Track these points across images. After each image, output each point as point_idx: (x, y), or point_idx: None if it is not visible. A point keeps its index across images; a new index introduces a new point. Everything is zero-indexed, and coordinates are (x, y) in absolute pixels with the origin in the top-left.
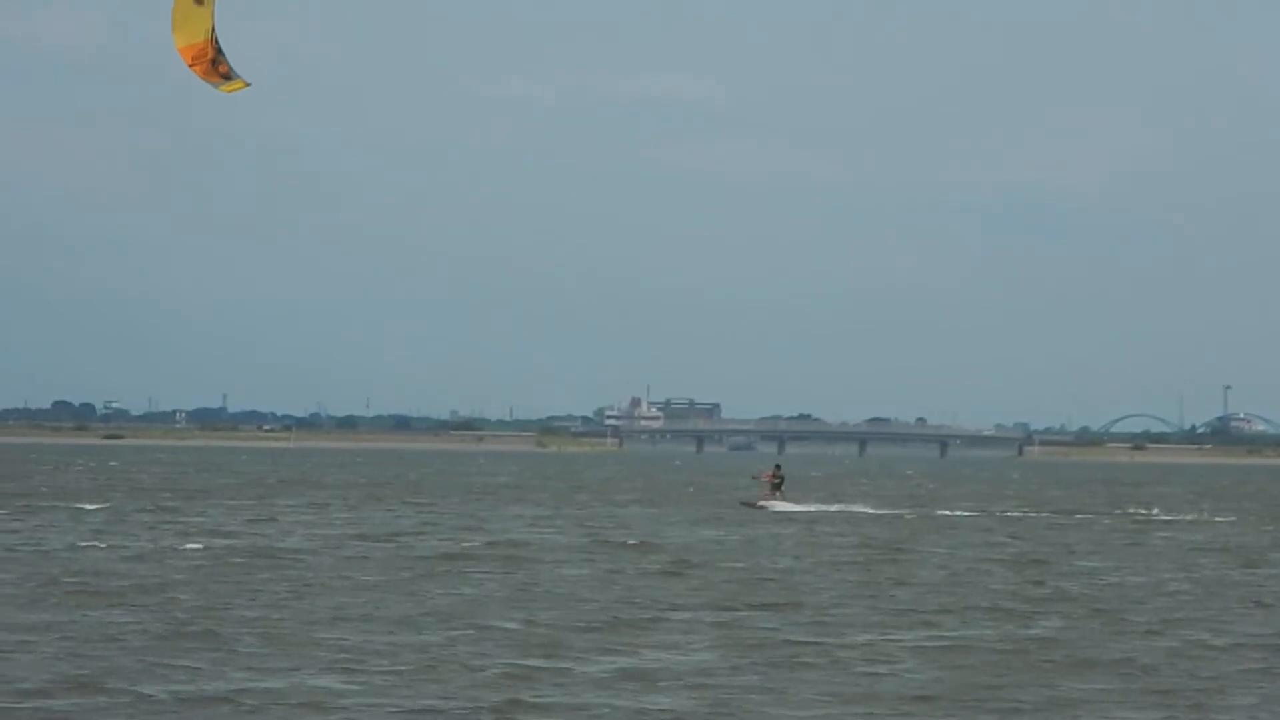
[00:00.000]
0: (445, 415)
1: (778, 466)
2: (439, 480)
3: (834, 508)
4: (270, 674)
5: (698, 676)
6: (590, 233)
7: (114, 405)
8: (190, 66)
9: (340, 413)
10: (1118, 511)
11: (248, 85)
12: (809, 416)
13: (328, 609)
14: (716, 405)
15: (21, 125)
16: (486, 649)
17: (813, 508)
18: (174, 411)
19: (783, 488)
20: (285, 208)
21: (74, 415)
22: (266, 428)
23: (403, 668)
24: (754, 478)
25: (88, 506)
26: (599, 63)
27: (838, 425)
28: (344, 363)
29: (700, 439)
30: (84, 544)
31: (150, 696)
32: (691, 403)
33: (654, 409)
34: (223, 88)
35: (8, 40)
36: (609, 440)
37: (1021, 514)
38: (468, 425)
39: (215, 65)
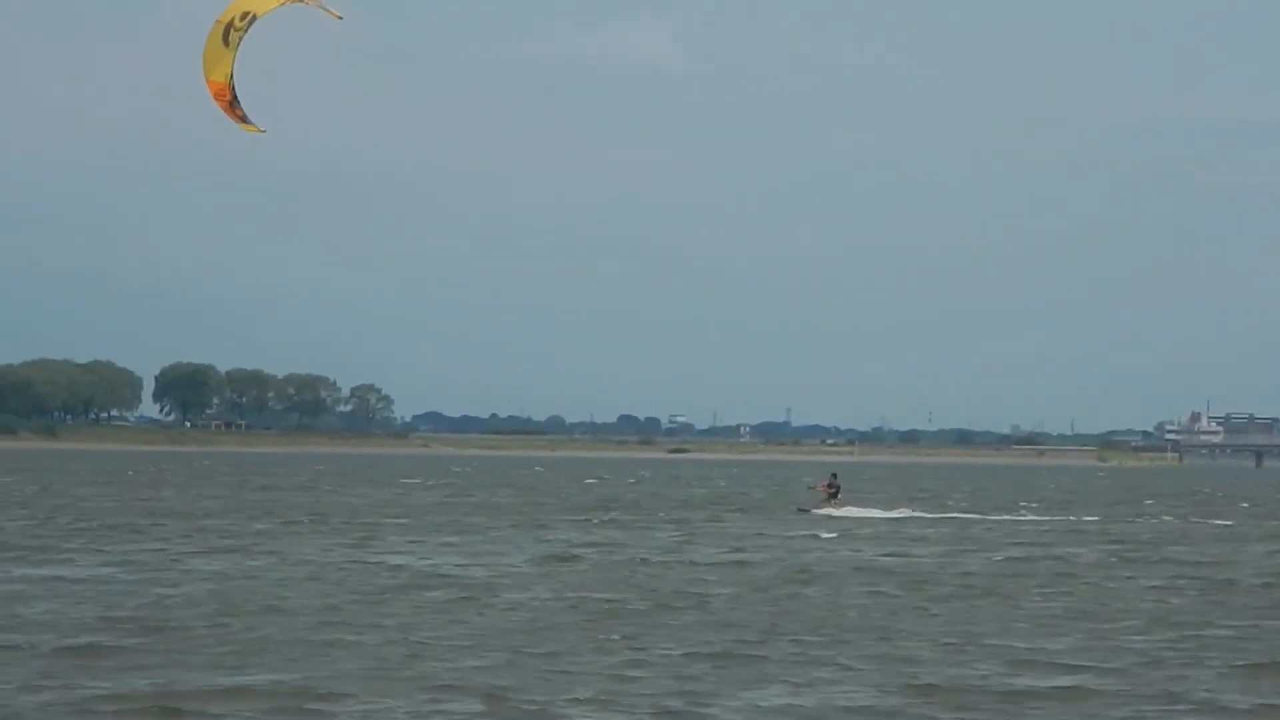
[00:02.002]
0: (1006, 429)
1: (834, 475)
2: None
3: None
4: None
5: None
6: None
7: (679, 419)
8: (214, 100)
9: (902, 427)
10: None
11: (261, 132)
12: None
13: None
14: (1277, 420)
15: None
16: None
17: (868, 513)
18: (738, 426)
19: (839, 495)
20: None
21: (640, 429)
22: (829, 441)
23: None
24: (810, 486)
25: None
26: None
27: None
28: (906, 377)
29: (1259, 454)
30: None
31: None
32: (1251, 417)
33: (1214, 423)
34: (243, 127)
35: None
36: (1168, 455)
37: None
38: (1029, 439)
39: (232, 107)
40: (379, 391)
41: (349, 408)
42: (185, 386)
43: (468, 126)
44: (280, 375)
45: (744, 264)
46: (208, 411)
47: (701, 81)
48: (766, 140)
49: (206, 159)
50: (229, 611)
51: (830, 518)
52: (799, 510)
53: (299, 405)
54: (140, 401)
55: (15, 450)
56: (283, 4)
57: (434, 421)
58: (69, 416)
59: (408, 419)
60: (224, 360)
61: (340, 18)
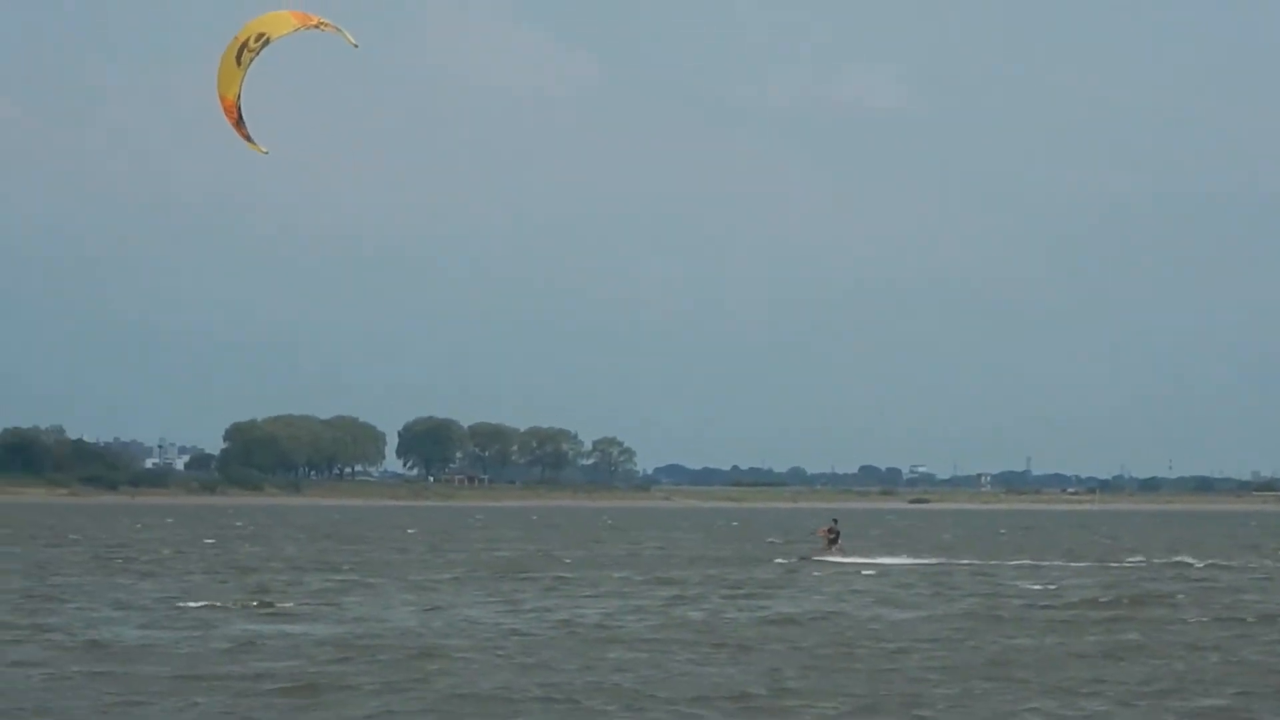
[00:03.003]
0: (1247, 476)
1: (835, 521)
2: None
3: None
4: None
5: None
6: None
7: (920, 470)
8: (225, 115)
9: (1143, 474)
10: None
11: (264, 153)
12: None
13: None
14: None
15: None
16: None
17: (862, 560)
18: (978, 475)
19: (840, 542)
20: None
21: (881, 480)
22: (1070, 490)
23: None
24: (812, 532)
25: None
26: None
27: None
28: (1146, 425)
29: None
30: None
31: None
32: None
33: None
34: (249, 146)
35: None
36: None
37: None
38: (1269, 486)
39: (239, 126)
40: (621, 444)
41: (591, 461)
42: (428, 441)
43: (704, 171)
44: (522, 429)
45: (978, 310)
46: (450, 466)
47: (936, 124)
48: (1003, 180)
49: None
50: None
51: (826, 562)
52: (800, 558)
53: (541, 459)
54: (384, 456)
55: (263, 505)
56: (298, 30)
57: (675, 474)
58: (313, 472)
59: (649, 471)
60: (466, 415)
61: (356, 45)
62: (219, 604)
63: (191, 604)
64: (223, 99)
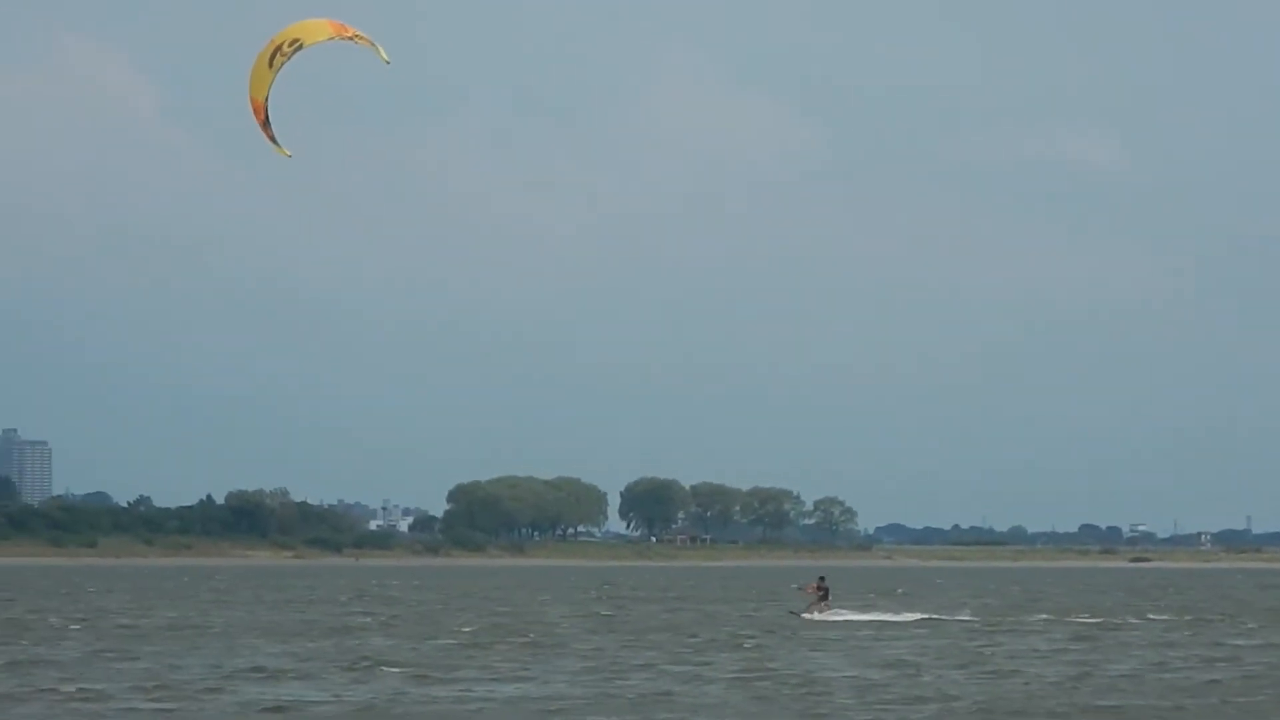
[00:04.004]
0: None
1: (821, 578)
2: None
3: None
4: None
5: None
6: None
7: (1140, 529)
8: (253, 116)
9: None
10: None
11: (288, 156)
12: None
13: None
14: None
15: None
16: None
17: (856, 616)
18: (1198, 534)
19: (828, 598)
20: None
21: (1101, 538)
22: None
23: None
24: (799, 588)
25: None
26: None
27: None
28: None
29: None
30: None
31: None
32: None
33: None
34: (274, 149)
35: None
36: None
37: None
38: None
39: (265, 127)
40: (842, 504)
41: (812, 520)
42: (650, 501)
43: (922, 229)
44: (744, 489)
45: (1197, 365)
46: (673, 526)
47: (1146, 182)
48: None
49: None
50: None
51: (818, 621)
52: (790, 613)
53: (763, 518)
54: (606, 517)
55: (486, 567)
56: (332, 39)
57: (896, 533)
58: (536, 533)
59: (870, 531)
60: (688, 475)
61: (389, 61)
62: None
63: None
64: (253, 100)
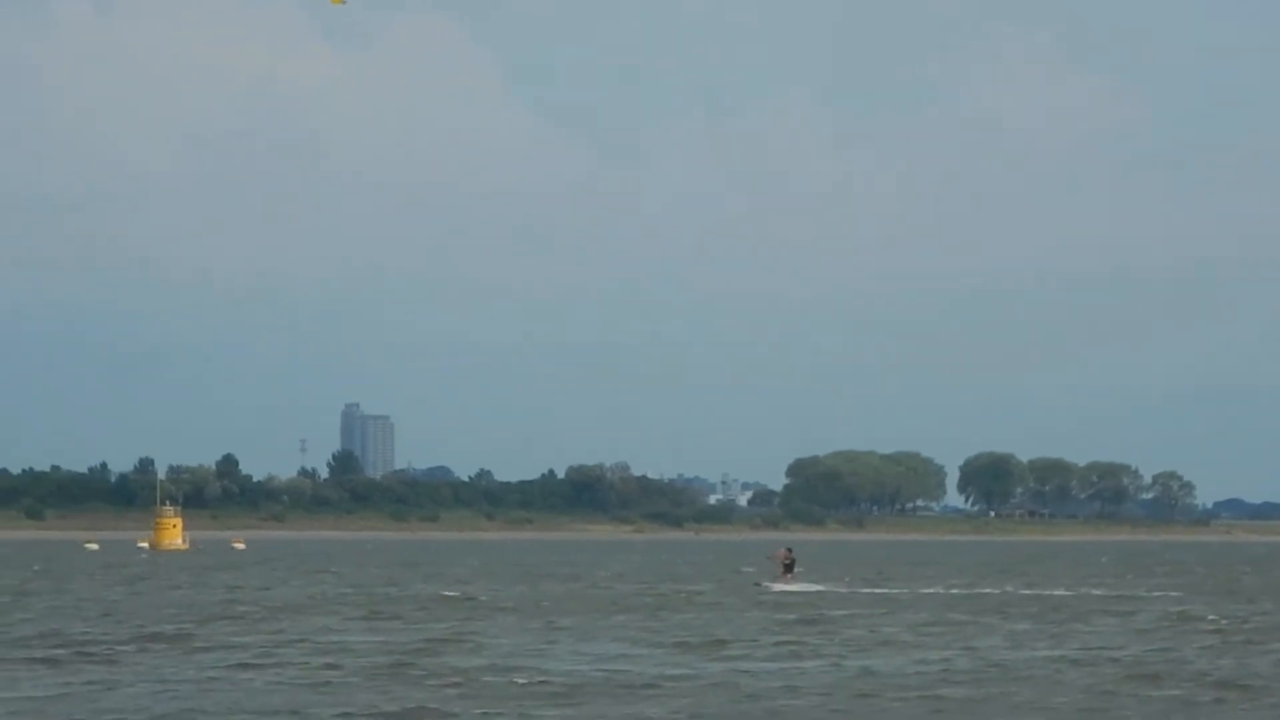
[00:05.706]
0: None
1: (788, 550)
2: None
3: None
4: None
5: None
6: None
7: None
8: None
9: None
10: None
11: (341, 3)
12: None
13: None
14: None
15: None
16: None
17: (816, 587)
18: None
19: (795, 569)
20: None
21: None
22: None
23: None
24: (768, 557)
25: None
26: None
27: None
28: None
29: None
30: None
31: None
32: None
33: None
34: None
35: None
36: None
37: None
38: None
39: None
40: (1181, 479)
41: (1151, 495)
42: (988, 476)
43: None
44: (1082, 464)
45: None
46: (1011, 500)
47: None
48: None
49: None
50: None
51: (784, 591)
52: (754, 585)
53: (1101, 493)
54: (945, 492)
55: (825, 540)
56: None
57: (1236, 509)
58: (875, 507)
59: (1209, 506)
60: (1026, 449)
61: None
62: None
63: None
64: None
